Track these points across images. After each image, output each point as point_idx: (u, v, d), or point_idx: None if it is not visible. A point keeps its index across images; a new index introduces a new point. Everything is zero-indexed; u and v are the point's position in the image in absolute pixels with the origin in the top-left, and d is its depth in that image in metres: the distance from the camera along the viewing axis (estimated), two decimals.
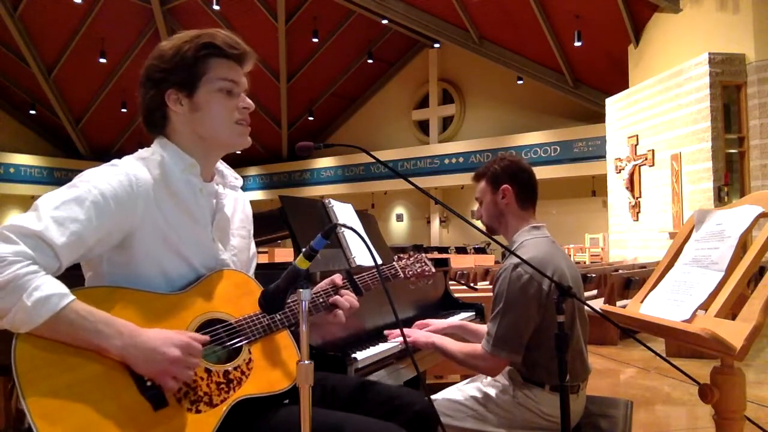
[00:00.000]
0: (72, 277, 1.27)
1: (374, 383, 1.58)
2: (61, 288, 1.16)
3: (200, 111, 1.40)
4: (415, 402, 1.49)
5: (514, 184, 2.06)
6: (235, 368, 1.32)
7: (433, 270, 1.88)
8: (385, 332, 2.06)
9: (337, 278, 1.55)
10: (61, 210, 1.22)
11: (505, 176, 2.06)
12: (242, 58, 1.45)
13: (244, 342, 1.36)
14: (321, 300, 1.50)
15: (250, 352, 1.36)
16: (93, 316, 1.17)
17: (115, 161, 1.37)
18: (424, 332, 2.14)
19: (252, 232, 1.65)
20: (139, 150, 1.43)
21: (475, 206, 2.19)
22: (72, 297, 1.17)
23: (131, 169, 1.34)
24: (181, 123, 1.42)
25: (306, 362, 1.15)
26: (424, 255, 1.90)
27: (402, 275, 1.79)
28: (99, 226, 1.25)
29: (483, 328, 2.27)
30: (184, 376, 1.21)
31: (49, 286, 1.14)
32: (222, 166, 1.57)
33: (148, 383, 1.20)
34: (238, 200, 1.59)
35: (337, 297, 1.50)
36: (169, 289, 1.35)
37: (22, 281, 1.12)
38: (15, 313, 1.11)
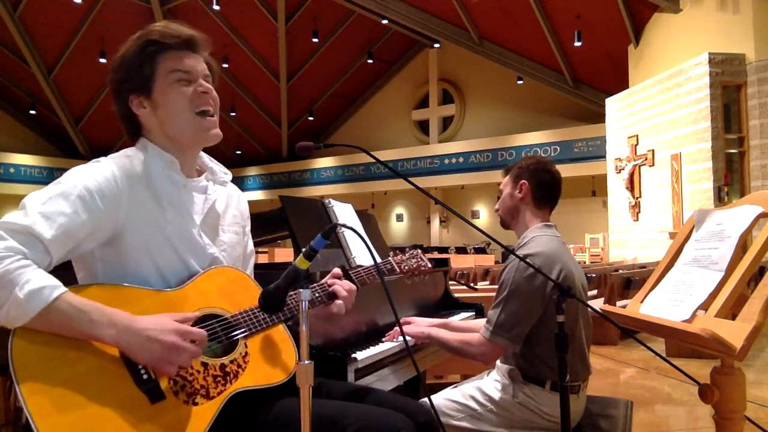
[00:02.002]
0: (65, 277, 1.27)
1: (378, 392, 1.57)
2: (52, 280, 1.17)
3: (161, 107, 1.41)
4: (419, 413, 1.47)
5: (533, 182, 2.11)
6: (231, 361, 1.33)
7: (429, 264, 1.89)
8: (385, 339, 2.06)
9: (336, 271, 1.56)
10: (48, 205, 1.24)
11: (527, 173, 2.13)
12: (189, 45, 1.43)
13: (239, 336, 1.37)
14: (317, 295, 1.50)
15: (246, 346, 1.37)
16: (86, 307, 1.18)
17: (100, 158, 1.39)
18: (416, 326, 2.16)
19: (248, 228, 1.64)
20: (124, 149, 1.44)
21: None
22: (64, 288, 1.17)
23: (115, 166, 1.36)
24: (151, 124, 1.43)
25: (306, 362, 1.16)
26: (419, 251, 1.92)
27: (398, 270, 1.80)
28: (86, 220, 1.27)
29: (468, 325, 2.30)
30: (182, 363, 1.21)
31: (40, 279, 1.15)
32: (211, 162, 1.58)
33: (144, 376, 1.20)
34: (231, 196, 1.58)
35: (335, 282, 1.51)
36: (164, 286, 1.36)
37: (13, 275, 1.13)
38: (8, 308, 1.12)
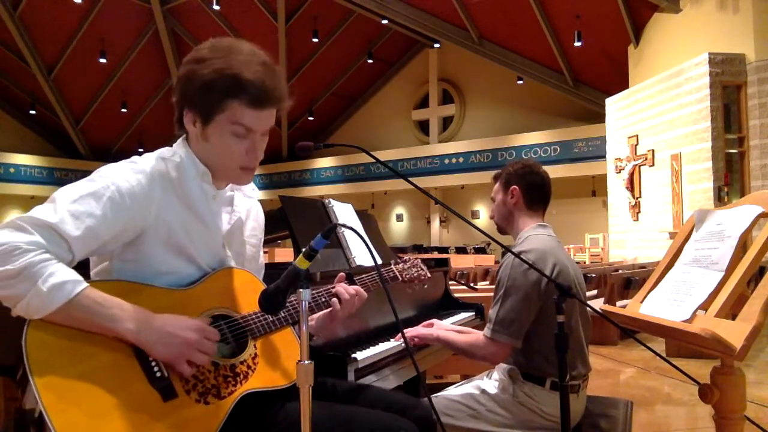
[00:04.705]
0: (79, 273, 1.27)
1: (375, 387, 1.58)
2: (74, 275, 1.18)
3: (210, 142, 1.39)
4: (416, 407, 1.50)
5: (524, 186, 2.14)
6: (241, 362, 1.34)
7: (429, 275, 1.91)
8: (394, 339, 2.06)
9: (341, 275, 1.58)
10: (78, 204, 1.24)
11: (516, 178, 2.15)
12: (270, 102, 1.37)
13: (249, 337, 1.38)
14: (323, 299, 1.51)
15: (255, 348, 1.38)
16: (107, 302, 1.20)
17: (135, 158, 1.39)
18: (426, 328, 2.16)
19: (262, 240, 1.65)
20: (161, 149, 1.43)
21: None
22: (86, 284, 1.19)
23: (150, 168, 1.35)
24: (194, 139, 1.43)
25: (306, 362, 1.16)
26: (419, 260, 1.94)
27: (400, 278, 1.82)
28: (113, 223, 1.27)
29: None
30: (199, 360, 1.23)
31: (63, 273, 1.17)
32: None
33: (158, 374, 1.21)
34: (252, 209, 1.60)
35: (338, 288, 1.53)
36: (177, 286, 1.37)
37: (37, 268, 1.14)
38: (29, 300, 1.13)
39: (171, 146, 1.46)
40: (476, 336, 2.02)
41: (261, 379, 1.35)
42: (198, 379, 1.26)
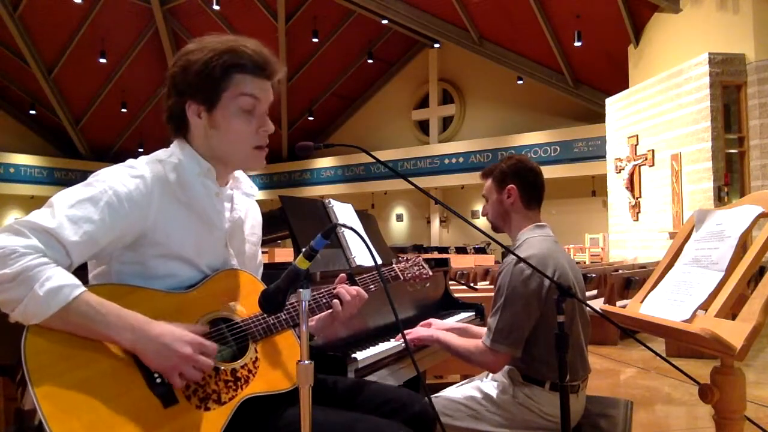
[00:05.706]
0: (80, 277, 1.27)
1: (373, 383, 1.58)
2: (72, 279, 1.17)
3: (218, 129, 1.38)
4: (414, 402, 1.50)
5: (520, 184, 2.07)
6: (242, 366, 1.33)
7: (430, 273, 1.91)
8: (394, 339, 2.06)
9: (342, 276, 1.57)
10: (76, 209, 1.23)
11: (511, 176, 2.08)
12: (267, 72, 1.40)
13: (250, 341, 1.37)
14: (324, 300, 1.51)
15: (256, 351, 1.37)
16: (105, 308, 1.18)
17: (131, 162, 1.37)
18: (427, 329, 2.15)
19: (260, 239, 1.65)
20: (157, 151, 1.42)
21: (476, 206, 2.23)
22: (83, 288, 1.17)
23: (147, 172, 1.34)
24: (199, 133, 1.41)
25: (306, 362, 1.16)
26: (421, 258, 1.93)
27: (401, 277, 1.81)
28: (112, 228, 1.26)
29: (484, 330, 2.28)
30: (192, 376, 1.22)
31: (60, 277, 1.15)
32: (238, 172, 1.57)
33: (158, 380, 1.20)
34: (250, 207, 1.60)
35: (339, 289, 1.52)
36: (177, 289, 1.36)
37: (34, 272, 1.12)
38: (26, 304, 1.12)
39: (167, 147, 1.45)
40: (475, 343, 1.99)
41: (262, 383, 1.34)
42: (199, 384, 1.25)
